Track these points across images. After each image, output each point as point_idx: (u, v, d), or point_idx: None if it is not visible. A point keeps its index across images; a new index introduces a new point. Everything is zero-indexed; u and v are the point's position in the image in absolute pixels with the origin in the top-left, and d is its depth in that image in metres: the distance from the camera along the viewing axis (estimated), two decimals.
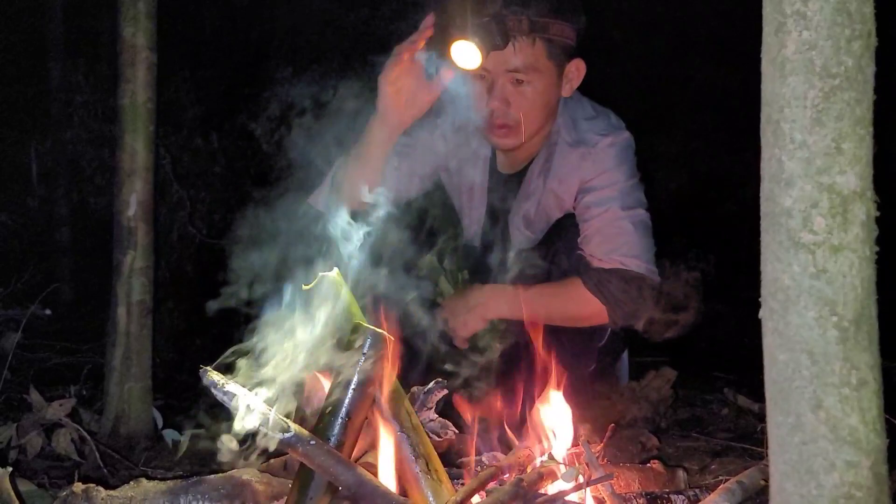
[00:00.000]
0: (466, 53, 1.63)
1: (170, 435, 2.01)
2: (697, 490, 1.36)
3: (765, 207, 0.76)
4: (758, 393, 2.62)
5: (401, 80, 1.67)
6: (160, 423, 2.03)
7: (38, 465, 1.89)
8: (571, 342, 1.81)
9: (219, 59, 4.47)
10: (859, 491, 0.69)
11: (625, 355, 2.22)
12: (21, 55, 4.17)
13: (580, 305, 1.78)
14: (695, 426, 2.17)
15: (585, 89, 1.95)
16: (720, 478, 1.64)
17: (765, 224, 0.76)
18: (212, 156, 4.22)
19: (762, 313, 0.77)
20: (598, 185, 1.82)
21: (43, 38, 4.26)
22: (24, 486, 1.59)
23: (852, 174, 0.71)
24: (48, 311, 2.55)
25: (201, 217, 3.87)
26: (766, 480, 1.37)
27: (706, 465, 1.78)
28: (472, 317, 1.80)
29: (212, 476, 1.24)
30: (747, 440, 1.93)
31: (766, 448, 1.72)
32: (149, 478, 1.22)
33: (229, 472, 1.25)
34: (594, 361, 1.95)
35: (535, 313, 1.69)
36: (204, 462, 2.05)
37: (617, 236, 1.78)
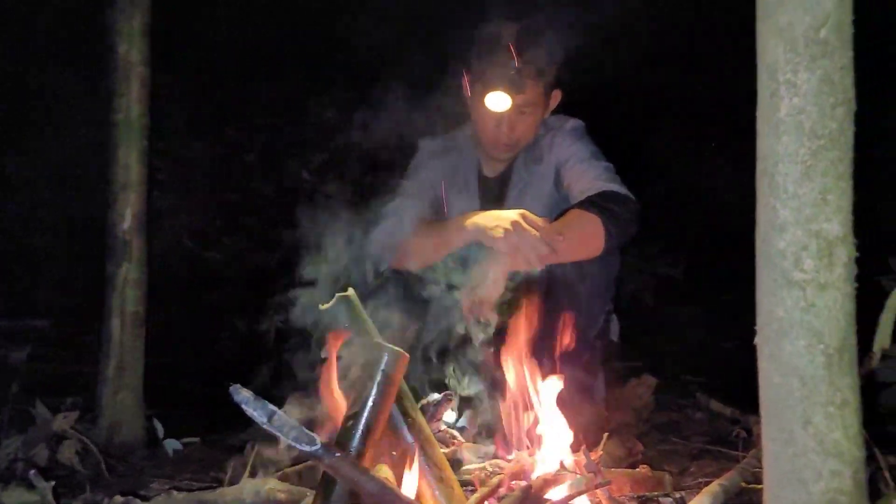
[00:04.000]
0: (499, 100, 2.06)
1: (171, 445, 2.06)
2: (683, 492, 1.47)
3: (760, 248, 0.87)
4: (729, 396, 2.75)
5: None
6: (161, 432, 2.08)
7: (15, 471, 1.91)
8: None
9: (203, 68, 4.49)
10: (843, 496, 0.81)
11: (601, 374, 2.35)
12: (6, 62, 4.13)
13: (581, 228, 1.93)
14: (672, 430, 2.29)
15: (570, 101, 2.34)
16: (699, 480, 1.76)
17: (760, 263, 0.87)
18: (196, 164, 4.25)
19: (758, 340, 0.88)
20: (570, 155, 2.18)
21: (30, 46, 4.23)
22: (33, 496, 1.64)
23: (836, 222, 0.82)
24: (41, 322, 2.57)
25: (185, 225, 3.90)
26: (746, 482, 1.50)
27: (685, 467, 1.90)
28: (492, 281, 1.88)
29: (236, 486, 1.31)
30: (722, 443, 2.05)
31: (741, 451, 1.85)
32: (178, 489, 1.29)
33: (254, 481, 1.33)
34: (587, 364, 2.07)
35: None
36: (204, 470, 2.10)
37: (596, 172, 2.10)
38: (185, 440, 2.23)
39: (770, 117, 0.85)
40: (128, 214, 2.31)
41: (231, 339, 4.14)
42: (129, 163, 2.32)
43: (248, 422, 2.85)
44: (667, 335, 4.29)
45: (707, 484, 1.62)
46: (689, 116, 5.21)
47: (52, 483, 1.19)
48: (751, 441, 1.95)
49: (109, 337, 2.27)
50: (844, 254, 0.82)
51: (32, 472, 1.17)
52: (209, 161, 4.32)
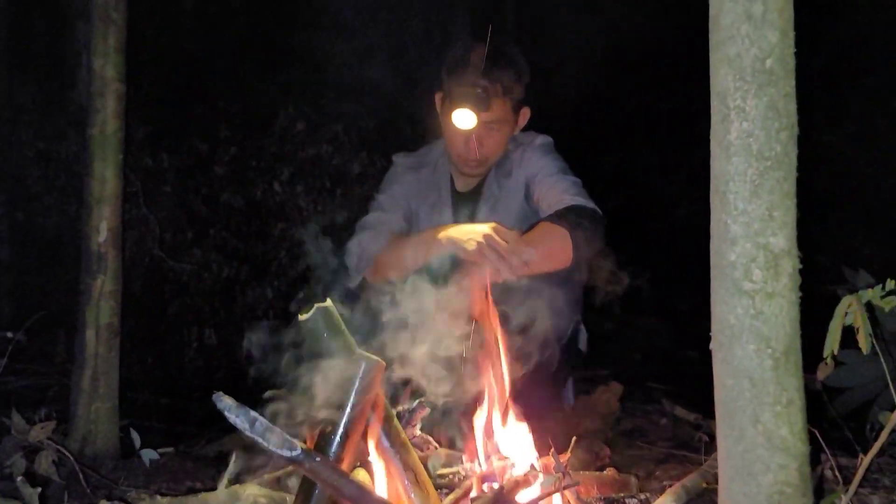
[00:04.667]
0: (465, 117, 2.12)
1: (147, 455, 2.08)
2: (648, 494, 1.54)
3: (714, 260, 0.94)
4: (691, 402, 2.85)
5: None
6: (138, 443, 2.10)
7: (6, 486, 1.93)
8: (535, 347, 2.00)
9: (163, 78, 4.50)
10: (789, 488, 0.88)
11: (570, 382, 2.42)
12: None
13: (550, 241, 1.99)
14: (638, 436, 2.37)
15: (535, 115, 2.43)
16: (664, 483, 1.83)
17: (714, 274, 0.94)
18: (161, 175, 4.25)
19: (712, 346, 0.95)
20: (539, 170, 2.26)
21: None
22: None
23: (782, 236, 0.89)
24: (10, 334, 2.57)
25: (154, 237, 3.91)
26: (707, 483, 1.57)
27: (651, 471, 1.97)
28: (467, 284, 1.91)
29: (218, 491, 1.35)
30: (686, 448, 2.13)
31: (704, 455, 1.92)
32: (163, 495, 1.32)
33: (234, 487, 1.36)
34: (553, 374, 2.14)
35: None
36: (178, 479, 2.13)
37: (564, 187, 2.18)
38: (160, 450, 2.25)
39: (721, 140, 0.92)
40: (103, 227, 2.33)
41: (199, 349, 4.15)
42: (105, 176, 2.34)
43: (217, 432, 2.89)
44: (632, 344, 4.40)
45: (671, 486, 1.69)
46: (650, 130, 5.36)
47: (39, 489, 1.22)
48: (713, 445, 2.03)
49: (84, 348, 2.29)
50: (789, 265, 0.90)
51: (19, 478, 1.20)
52: (177, 173, 4.33)
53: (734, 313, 0.91)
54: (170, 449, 2.31)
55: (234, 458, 1.76)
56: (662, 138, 5.35)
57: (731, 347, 0.92)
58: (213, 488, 2.03)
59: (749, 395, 0.90)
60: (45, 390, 2.67)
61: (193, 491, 2.02)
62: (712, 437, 2.14)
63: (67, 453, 1.86)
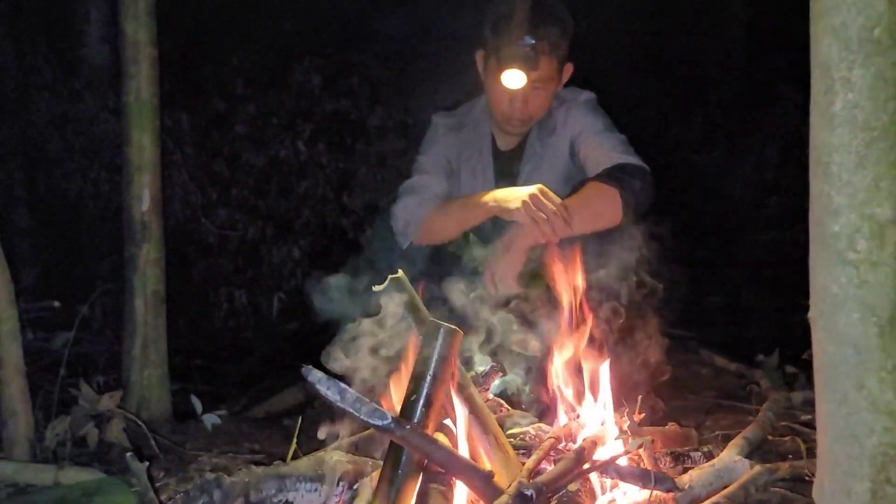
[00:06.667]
0: (515, 77, 2.09)
1: (209, 419, 2.13)
2: (710, 447, 1.59)
3: (814, 231, 0.96)
4: (722, 348, 2.87)
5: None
6: (199, 408, 2.15)
7: (63, 452, 1.97)
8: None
9: (171, 35, 4.42)
10: (894, 450, 0.91)
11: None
12: None
13: (599, 200, 2.01)
14: (682, 387, 2.42)
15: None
16: (717, 433, 1.88)
17: (814, 244, 0.96)
18: (182, 136, 4.23)
19: (812, 314, 0.97)
20: (585, 127, 2.24)
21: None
22: (93, 474, 1.71)
23: (888, 206, 0.91)
24: (57, 303, 2.61)
25: (180, 199, 3.92)
26: (770, 436, 1.62)
27: (701, 422, 2.03)
28: (512, 254, 1.96)
29: (306, 458, 1.40)
30: (733, 398, 2.18)
31: (755, 405, 1.96)
32: (258, 463, 1.37)
33: (319, 454, 1.41)
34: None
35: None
36: (236, 441, 2.19)
37: (611, 144, 2.18)
38: (217, 413, 2.31)
39: (825, 111, 0.92)
40: (146, 196, 2.34)
41: (230, 310, 4.20)
42: (144, 144, 2.35)
43: (258, 392, 2.92)
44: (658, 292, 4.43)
45: (725, 436, 1.74)
46: (670, 77, 5.29)
47: (147, 464, 1.26)
48: (761, 395, 2.08)
49: (133, 316, 2.33)
50: (895, 234, 0.91)
51: (129, 454, 1.24)
52: (197, 133, 4.30)
53: (837, 283, 0.93)
54: (224, 412, 2.37)
55: (298, 425, 1.80)
56: (677, 83, 5.29)
57: (834, 316, 0.94)
58: (272, 450, 2.09)
59: (853, 361, 0.93)
60: (92, 358, 2.71)
61: (254, 452, 2.08)
62: (759, 386, 2.20)
63: (139, 421, 1.91)
